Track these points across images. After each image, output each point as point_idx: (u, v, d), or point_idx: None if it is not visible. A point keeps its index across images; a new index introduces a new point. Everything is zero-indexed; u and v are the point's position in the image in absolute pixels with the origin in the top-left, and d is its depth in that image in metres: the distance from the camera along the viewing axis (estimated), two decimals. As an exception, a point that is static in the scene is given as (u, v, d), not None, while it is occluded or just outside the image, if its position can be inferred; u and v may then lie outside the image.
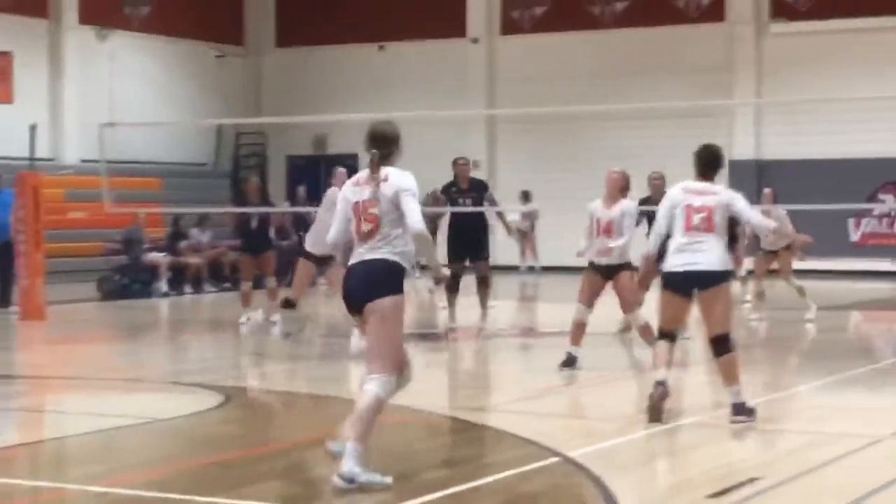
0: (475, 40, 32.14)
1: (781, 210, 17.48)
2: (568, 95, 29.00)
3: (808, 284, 17.82)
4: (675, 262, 9.94)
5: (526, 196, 29.43)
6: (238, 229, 18.69)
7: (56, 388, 12.36)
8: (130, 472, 8.41)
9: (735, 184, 28.47)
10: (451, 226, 16.79)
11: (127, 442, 9.65)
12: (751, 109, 29.13)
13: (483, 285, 16.79)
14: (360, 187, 7.89)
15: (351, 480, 7.48)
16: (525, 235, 30.04)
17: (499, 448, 9.27)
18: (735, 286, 17.31)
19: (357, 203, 7.84)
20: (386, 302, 7.61)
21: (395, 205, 7.73)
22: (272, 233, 19.51)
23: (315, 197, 29.42)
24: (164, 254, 24.46)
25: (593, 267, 12.94)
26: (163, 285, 23.86)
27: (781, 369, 13.77)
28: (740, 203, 10.08)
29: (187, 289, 24.37)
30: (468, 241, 16.52)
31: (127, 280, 23.83)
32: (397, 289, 7.66)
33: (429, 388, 12.45)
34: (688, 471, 8.44)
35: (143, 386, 12.46)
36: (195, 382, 12.30)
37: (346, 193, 8.00)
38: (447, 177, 17.38)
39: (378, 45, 32.99)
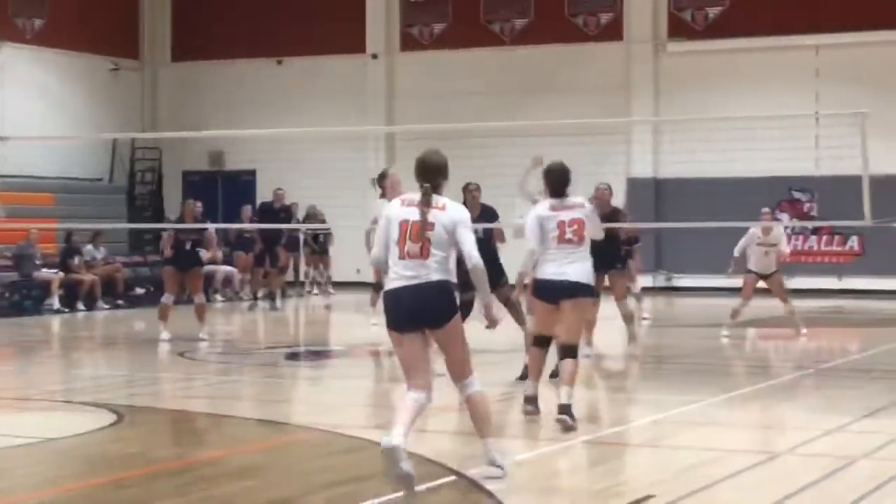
0: (374, 56, 32.10)
1: (780, 229, 17.59)
2: (468, 112, 29.05)
3: (710, 302, 17.99)
4: (546, 272, 10.60)
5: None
6: (172, 247, 18.21)
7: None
8: (23, 494, 8.22)
9: (634, 201, 28.88)
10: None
11: (19, 462, 9.43)
12: (649, 127, 29.40)
13: (509, 307, 16.09)
14: (410, 208, 8.20)
15: (501, 467, 8.41)
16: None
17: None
18: (632, 302, 17.45)
19: (406, 222, 8.16)
20: (454, 321, 8.31)
21: (450, 233, 8.17)
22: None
23: (212, 213, 29.21)
24: (55, 270, 24.09)
25: None
26: (55, 302, 23.49)
27: (677, 386, 13.85)
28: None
29: (80, 305, 24.00)
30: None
31: (18, 297, 23.43)
32: (456, 308, 8.34)
33: (323, 406, 12.36)
34: (585, 488, 8.43)
35: (35, 405, 12.22)
36: (88, 401, 12.09)
37: (392, 212, 8.28)
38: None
39: (276, 60, 32.82)
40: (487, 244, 15.83)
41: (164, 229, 28.34)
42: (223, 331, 20.50)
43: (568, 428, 10.15)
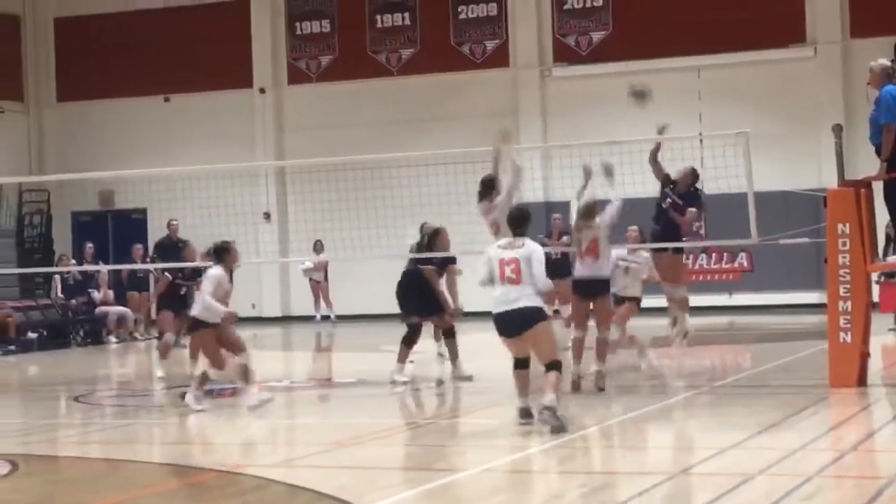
0: (262, 90, 32.04)
1: (645, 254, 17.57)
2: (358, 144, 29.07)
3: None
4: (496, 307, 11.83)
5: (318, 246, 29.37)
6: (168, 289, 18.25)
7: None
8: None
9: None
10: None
11: None
12: (538, 153, 29.63)
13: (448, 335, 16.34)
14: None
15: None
16: (318, 285, 29.98)
17: (297, 504, 9.17)
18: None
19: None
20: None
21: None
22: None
23: (104, 254, 28.90)
24: None
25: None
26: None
27: (570, 410, 13.95)
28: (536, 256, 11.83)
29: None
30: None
31: None
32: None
33: (225, 444, 12.28)
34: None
35: (-74, 458, 11.98)
36: (-19, 451, 11.88)
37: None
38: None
39: (164, 98, 32.62)
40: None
41: (56, 272, 28.12)
42: (118, 373, 20.26)
43: (556, 429, 11.25)
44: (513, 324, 11.64)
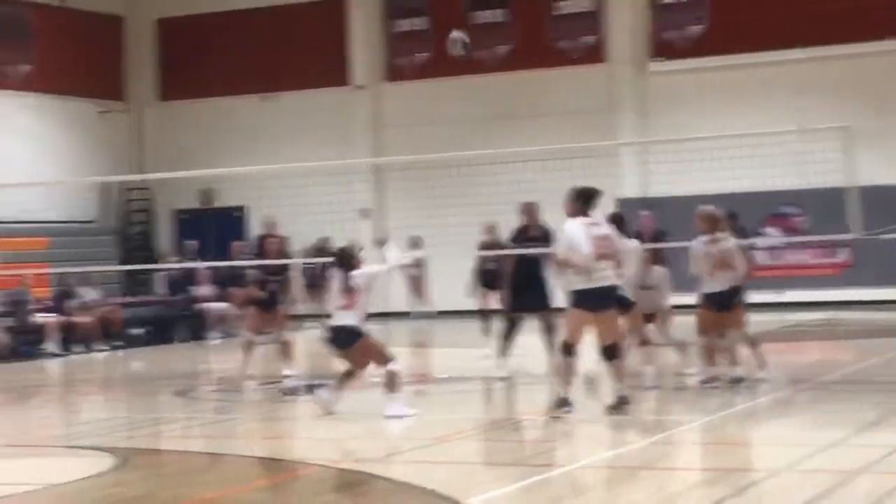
0: (360, 87, 32.22)
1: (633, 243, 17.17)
2: (454, 140, 29.17)
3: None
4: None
5: (415, 242, 29.46)
6: (259, 288, 17.77)
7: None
8: (25, 542, 8.27)
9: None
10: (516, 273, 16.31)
11: (19, 510, 9.49)
12: (635, 148, 29.53)
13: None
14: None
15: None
16: (416, 281, 30.08)
17: (396, 499, 9.24)
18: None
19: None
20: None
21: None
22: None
23: (206, 251, 29.26)
24: (52, 314, 24.12)
25: None
26: (52, 346, 23.51)
27: (670, 407, 13.90)
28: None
29: (77, 348, 24.03)
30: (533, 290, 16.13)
31: (14, 342, 23.45)
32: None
33: (326, 439, 12.40)
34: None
35: (35, 450, 12.24)
36: (89, 445, 12.12)
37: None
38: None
39: (261, 96, 32.93)
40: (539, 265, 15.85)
41: (159, 269, 28.55)
42: (220, 368, 20.51)
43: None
44: (607, 298, 11.99)
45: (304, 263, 27.60)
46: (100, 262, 28.10)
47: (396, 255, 14.15)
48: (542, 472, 9.90)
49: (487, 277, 19.19)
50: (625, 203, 28.96)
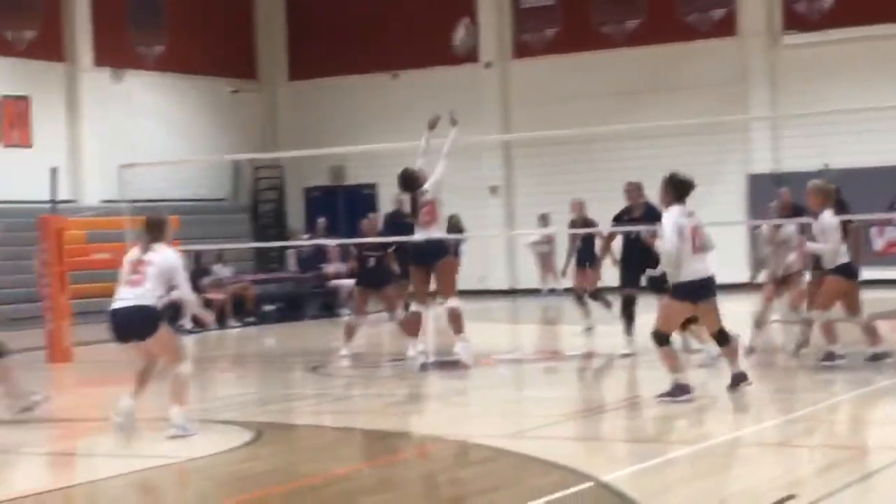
0: (488, 65, 32.21)
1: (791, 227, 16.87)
2: (583, 116, 29.02)
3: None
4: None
5: (544, 219, 29.43)
6: (357, 265, 18.07)
7: (86, 430, 12.39)
8: (165, 514, 8.43)
9: (754, 197, 28.50)
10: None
11: (161, 483, 9.68)
12: (767, 123, 29.11)
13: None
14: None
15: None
16: (545, 258, 30.04)
17: (529, 475, 9.23)
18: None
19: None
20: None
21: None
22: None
23: (336, 228, 29.54)
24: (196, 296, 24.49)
25: None
26: (187, 322, 23.89)
27: (805, 383, 13.72)
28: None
29: (212, 325, 24.36)
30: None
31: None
32: None
33: (456, 415, 12.46)
34: (722, 491, 8.39)
35: (173, 425, 12.45)
36: (224, 419, 12.32)
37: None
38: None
39: (392, 74, 33.08)
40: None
41: (290, 246, 28.86)
42: (351, 344, 20.66)
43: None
44: (706, 289, 12.03)
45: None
46: (233, 239, 28.50)
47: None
48: (674, 449, 9.84)
49: (580, 256, 19.41)
50: (755, 179, 28.66)
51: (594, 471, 8.80)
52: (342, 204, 33.28)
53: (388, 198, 29.08)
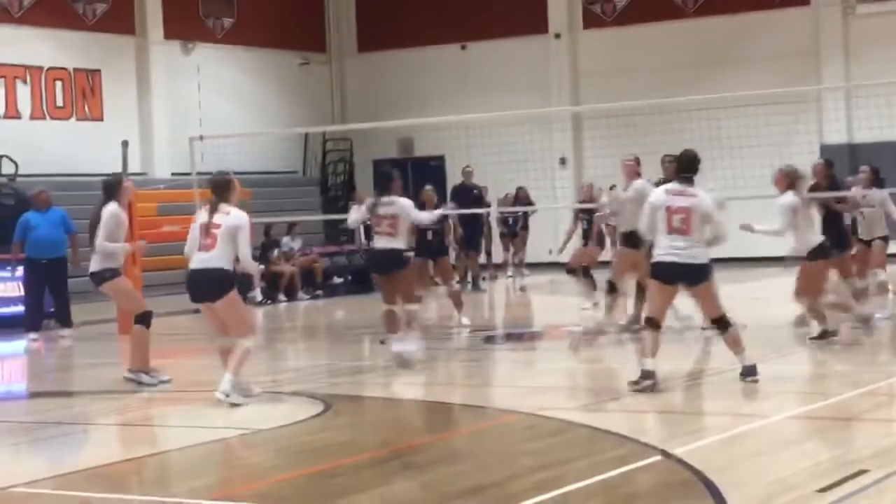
0: (557, 36, 32.06)
1: (879, 193, 16.76)
2: (652, 87, 28.78)
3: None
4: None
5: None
6: (415, 237, 17.91)
7: (158, 401, 12.50)
8: (236, 485, 8.48)
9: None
10: None
11: (232, 454, 9.75)
12: (841, 93, 28.76)
13: None
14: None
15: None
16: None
17: (600, 447, 9.22)
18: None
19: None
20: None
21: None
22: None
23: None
24: (257, 263, 24.62)
25: None
26: (257, 294, 24.04)
27: (881, 357, 13.58)
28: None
29: (281, 297, 24.52)
30: None
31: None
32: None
33: (525, 389, 12.44)
34: (793, 465, 8.31)
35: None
36: (294, 391, 12.39)
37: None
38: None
39: (460, 46, 33.01)
40: None
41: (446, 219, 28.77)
42: (420, 317, 20.69)
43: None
44: (676, 273, 11.18)
45: (502, 212, 27.70)
46: (302, 212, 28.57)
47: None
48: (746, 423, 9.77)
49: (585, 234, 19.74)
50: (829, 150, 28.32)
51: (663, 444, 8.76)
52: (410, 176, 33.28)
53: (456, 169, 29.14)
